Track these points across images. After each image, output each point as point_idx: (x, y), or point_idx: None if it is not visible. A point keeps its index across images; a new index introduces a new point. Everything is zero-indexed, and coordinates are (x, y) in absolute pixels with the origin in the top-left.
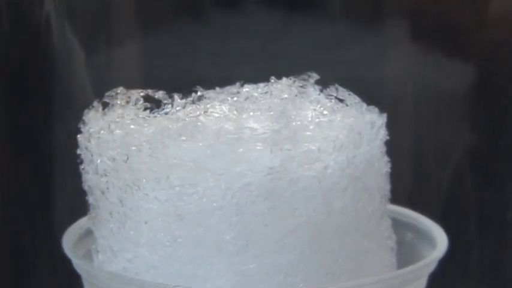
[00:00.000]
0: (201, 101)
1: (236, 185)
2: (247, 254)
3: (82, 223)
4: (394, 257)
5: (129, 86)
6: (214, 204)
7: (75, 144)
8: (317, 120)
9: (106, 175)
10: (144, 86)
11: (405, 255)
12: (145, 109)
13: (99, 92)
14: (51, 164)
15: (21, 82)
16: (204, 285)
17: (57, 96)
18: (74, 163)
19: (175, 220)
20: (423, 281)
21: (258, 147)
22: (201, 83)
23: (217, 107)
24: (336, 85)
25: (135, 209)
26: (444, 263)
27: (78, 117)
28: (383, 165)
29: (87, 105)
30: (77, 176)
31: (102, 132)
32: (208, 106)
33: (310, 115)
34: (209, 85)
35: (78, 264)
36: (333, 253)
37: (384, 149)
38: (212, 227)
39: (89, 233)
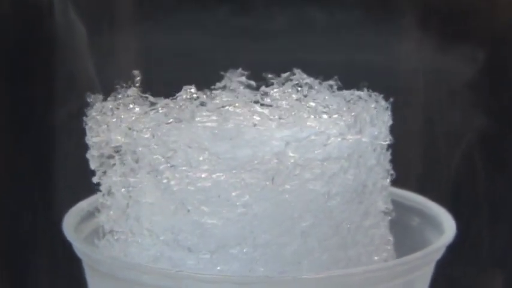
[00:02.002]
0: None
1: (240, 169)
2: (251, 239)
3: (83, 205)
4: (391, 235)
5: (132, 66)
6: (218, 187)
7: (77, 125)
8: (322, 108)
9: (110, 157)
10: (146, 68)
11: (412, 240)
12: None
13: (101, 72)
14: (52, 144)
15: (22, 63)
16: (208, 271)
17: (59, 77)
18: (75, 144)
19: (178, 204)
20: (431, 267)
21: (264, 133)
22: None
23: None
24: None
25: (138, 192)
26: (454, 250)
27: (80, 98)
28: (386, 149)
29: (90, 86)
30: (78, 156)
31: (106, 114)
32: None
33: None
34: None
35: (79, 248)
36: (337, 237)
37: (388, 133)
38: (216, 212)
39: (89, 215)
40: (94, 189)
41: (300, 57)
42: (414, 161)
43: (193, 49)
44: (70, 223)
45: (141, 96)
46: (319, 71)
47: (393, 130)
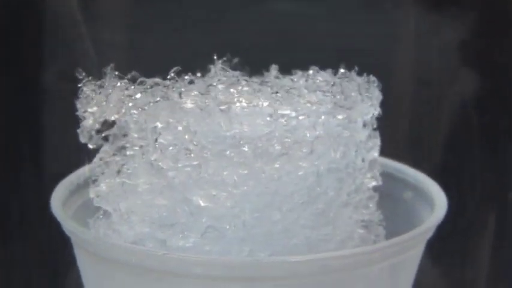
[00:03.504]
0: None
1: (230, 147)
2: (241, 219)
3: (72, 178)
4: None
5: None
6: (207, 167)
7: (67, 92)
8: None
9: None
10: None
11: (404, 214)
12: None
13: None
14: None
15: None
16: (197, 251)
17: (48, 39)
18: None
19: (165, 184)
20: (421, 246)
21: (254, 111)
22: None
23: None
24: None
25: (128, 171)
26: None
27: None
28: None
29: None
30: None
31: (97, 94)
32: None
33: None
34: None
35: (67, 227)
36: (326, 216)
37: (378, 108)
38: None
39: (78, 188)
40: (82, 162)
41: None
42: (406, 131)
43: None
44: (58, 199)
45: (130, 76)
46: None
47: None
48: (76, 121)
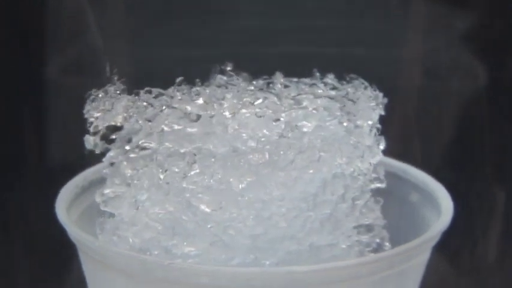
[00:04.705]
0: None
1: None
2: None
3: (78, 181)
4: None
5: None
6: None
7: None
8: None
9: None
10: None
11: (409, 217)
12: None
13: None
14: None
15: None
16: (203, 260)
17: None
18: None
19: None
20: (427, 252)
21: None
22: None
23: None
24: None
25: (135, 178)
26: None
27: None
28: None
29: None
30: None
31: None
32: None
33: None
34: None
35: (72, 233)
36: (331, 222)
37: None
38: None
39: (84, 190)
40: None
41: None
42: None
43: None
44: (63, 203)
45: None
46: None
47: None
48: (80, 115)
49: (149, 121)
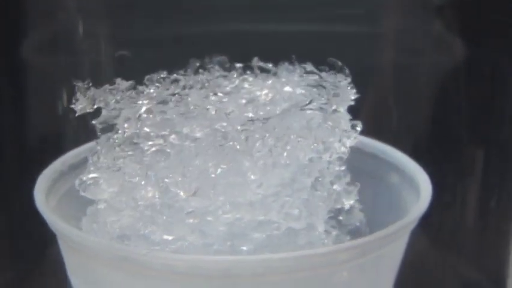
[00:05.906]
0: None
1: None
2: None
3: (56, 166)
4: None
5: None
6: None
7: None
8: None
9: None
10: None
11: (389, 198)
12: None
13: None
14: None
15: None
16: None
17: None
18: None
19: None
20: (406, 236)
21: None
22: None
23: None
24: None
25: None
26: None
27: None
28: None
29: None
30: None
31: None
32: None
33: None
34: None
35: (50, 222)
36: (308, 206)
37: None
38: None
39: (63, 175)
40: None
41: None
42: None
43: None
44: (41, 191)
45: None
46: None
47: None
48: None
49: (127, 107)
